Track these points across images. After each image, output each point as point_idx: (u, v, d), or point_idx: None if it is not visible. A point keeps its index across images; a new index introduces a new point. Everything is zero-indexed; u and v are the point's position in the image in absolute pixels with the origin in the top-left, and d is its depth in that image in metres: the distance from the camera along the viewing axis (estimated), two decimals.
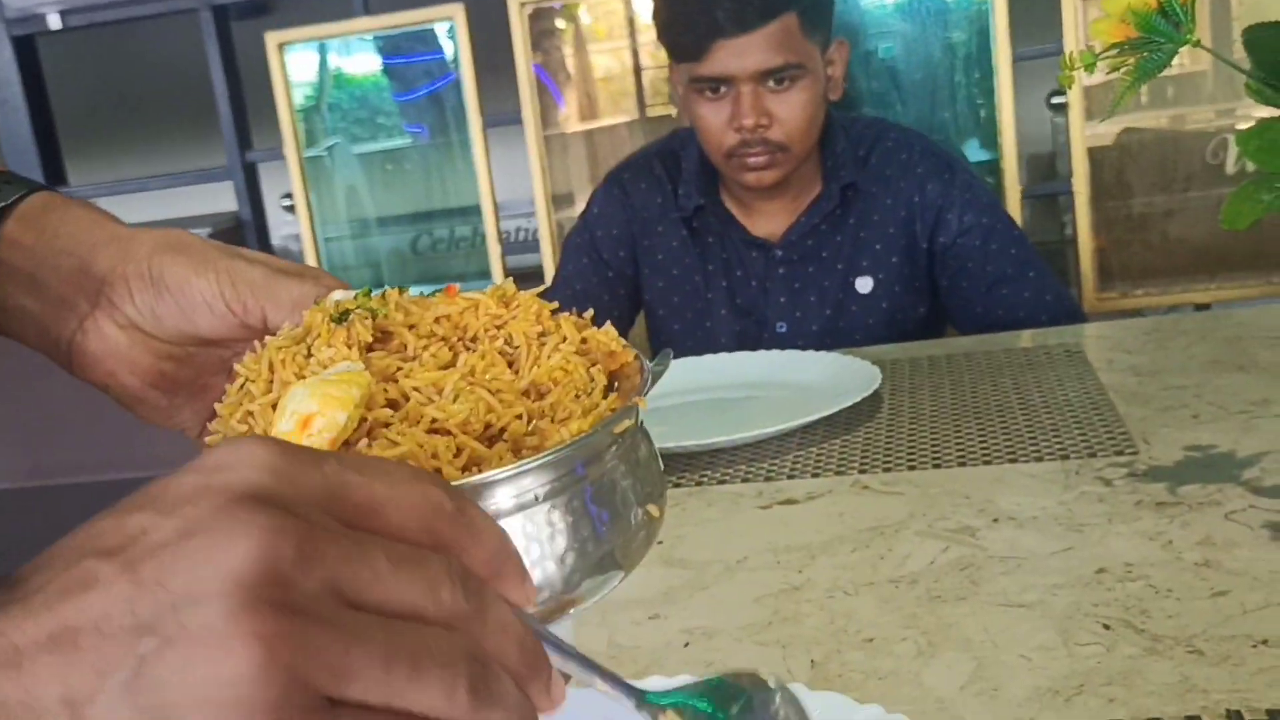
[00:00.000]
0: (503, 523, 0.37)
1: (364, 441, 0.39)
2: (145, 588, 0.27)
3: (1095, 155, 2.27)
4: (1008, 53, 2.11)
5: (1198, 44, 0.75)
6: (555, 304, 0.49)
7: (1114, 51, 0.78)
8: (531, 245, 2.50)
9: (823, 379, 1.14)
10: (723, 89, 1.38)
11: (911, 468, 0.91)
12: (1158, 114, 3.57)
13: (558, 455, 0.39)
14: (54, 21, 2.37)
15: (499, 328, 0.45)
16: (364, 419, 0.39)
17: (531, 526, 0.39)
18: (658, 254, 1.54)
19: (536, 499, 0.39)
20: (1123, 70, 0.79)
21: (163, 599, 0.26)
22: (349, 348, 0.42)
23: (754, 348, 1.36)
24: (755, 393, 1.17)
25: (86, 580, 0.27)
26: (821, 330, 1.48)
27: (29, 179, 0.61)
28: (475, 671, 0.29)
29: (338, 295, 0.47)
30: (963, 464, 0.91)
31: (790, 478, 0.93)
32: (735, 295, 1.51)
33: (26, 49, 2.42)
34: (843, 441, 1.00)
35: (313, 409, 0.38)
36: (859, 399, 1.04)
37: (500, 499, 0.39)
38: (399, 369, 0.42)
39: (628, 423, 0.43)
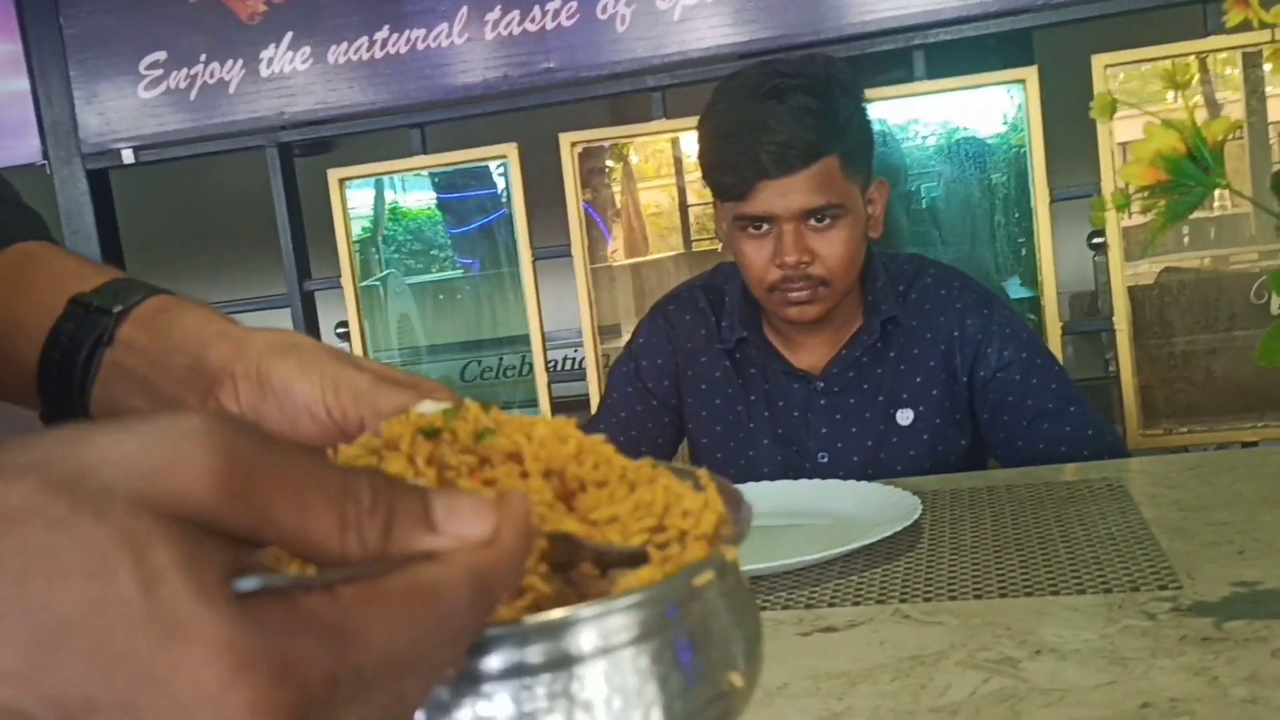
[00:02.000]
0: (584, 668, 0.35)
1: None
2: None
3: (1136, 294, 2.29)
4: (1045, 193, 2.16)
5: (1227, 187, 0.77)
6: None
7: (1145, 194, 0.81)
8: (577, 374, 2.54)
9: (864, 508, 1.15)
10: (766, 226, 1.42)
11: (952, 598, 0.92)
12: (1200, 254, 3.60)
13: (649, 593, 0.36)
14: (128, 156, 2.49)
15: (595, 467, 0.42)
16: None
17: (617, 674, 0.36)
18: (701, 384, 1.57)
19: (638, 637, 0.36)
20: (1154, 212, 0.81)
21: None
22: (427, 465, 0.39)
23: (796, 477, 1.37)
24: (796, 520, 1.18)
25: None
26: (863, 461, 1.49)
27: (147, 283, 0.64)
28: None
29: (425, 408, 0.44)
30: (1004, 595, 0.91)
31: (831, 605, 0.93)
32: (777, 425, 1.53)
33: (100, 182, 2.54)
34: (883, 571, 1.00)
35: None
36: (900, 529, 1.04)
37: (584, 640, 0.35)
38: None
39: (725, 564, 0.40)
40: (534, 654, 0.35)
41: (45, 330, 0.63)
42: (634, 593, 0.36)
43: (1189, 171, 0.78)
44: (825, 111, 1.38)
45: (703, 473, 0.46)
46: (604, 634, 0.35)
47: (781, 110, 1.36)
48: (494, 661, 0.35)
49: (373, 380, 0.50)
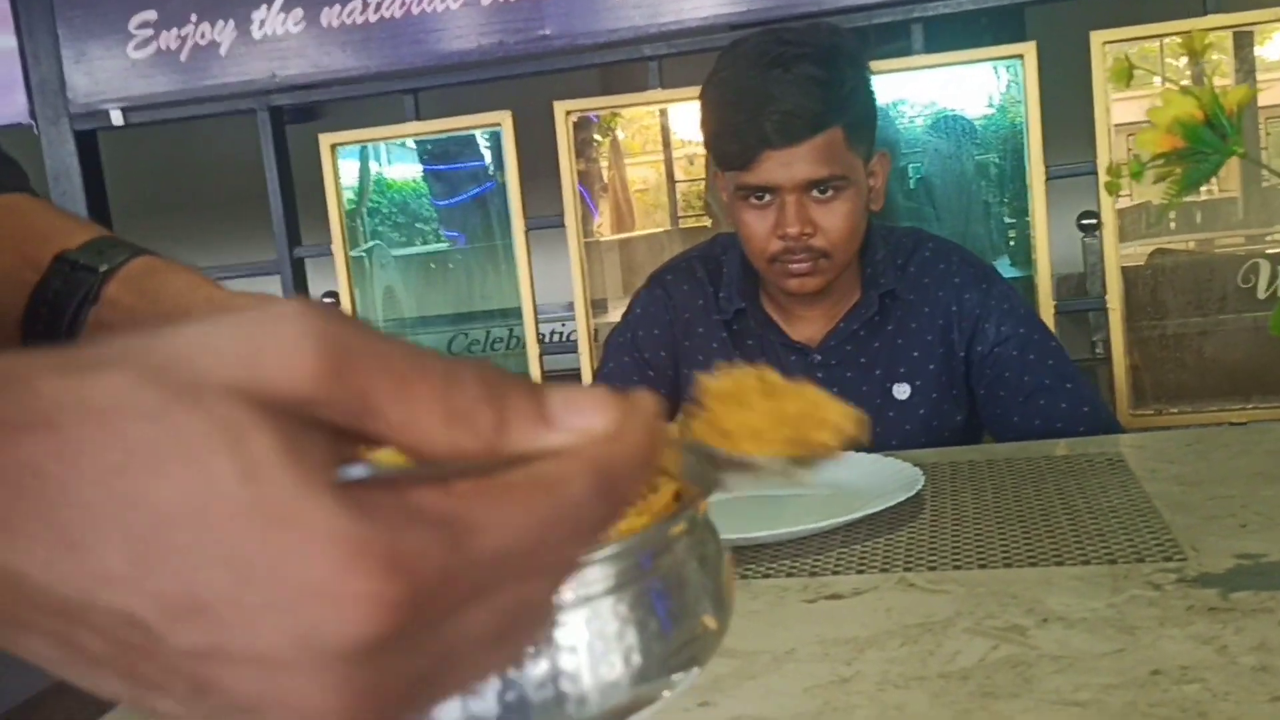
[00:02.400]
0: (566, 615, 0.36)
1: None
2: (205, 703, 0.24)
3: (1128, 275, 2.30)
4: (1041, 171, 2.15)
5: (1244, 155, 0.77)
6: None
7: (1160, 161, 0.80)
8: (567, 347, 2.53)
9: (865, 479, 1.14)
10: (768, 197, 1.41)
11: (957, 567, 0.91)
12: (1187, 238, 3.62)
13: (625, 545, 0.38)
14: (116, 117, 2.46)
15: None
16: None
17: (597, 620, 0.38)
18: (698, 355, 1.56)
19: (601, 592, 0.38)
20: (1169, 180, 0.81)
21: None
22: None
23: None
24: (796, 490, 1.18)
25: (141, 636, 0.23)
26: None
27: (132, 243, 0.63)
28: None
29: None
30: (1008, 565, 0.91)
31: (835, 573, 0.93)
32: None
33: (88, 143, 2.51)
34: (886, 540, 1.00)
35: None
36: (903, 499, 1.04)
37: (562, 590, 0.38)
38: None
39: (696, 516, 0.42)
40: None
41: (30, 285, 0.62)
42: (609, 545, 0.37)
43: (1206, 139, 0.77)
44: (831, 81, 1.36)
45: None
46: (583, 584, 0.37)
47: (787, 79, 1.35)
48: None
49: None
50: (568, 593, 0.36)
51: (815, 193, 1.40)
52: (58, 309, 0.59)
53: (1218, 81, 4.19)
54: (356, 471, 0.24)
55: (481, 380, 0.26)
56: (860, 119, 1.41)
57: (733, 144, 1.40)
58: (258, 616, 0.23)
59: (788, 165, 1.37)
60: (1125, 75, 0.81)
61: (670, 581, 0.40)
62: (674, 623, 0.40)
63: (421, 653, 0.25)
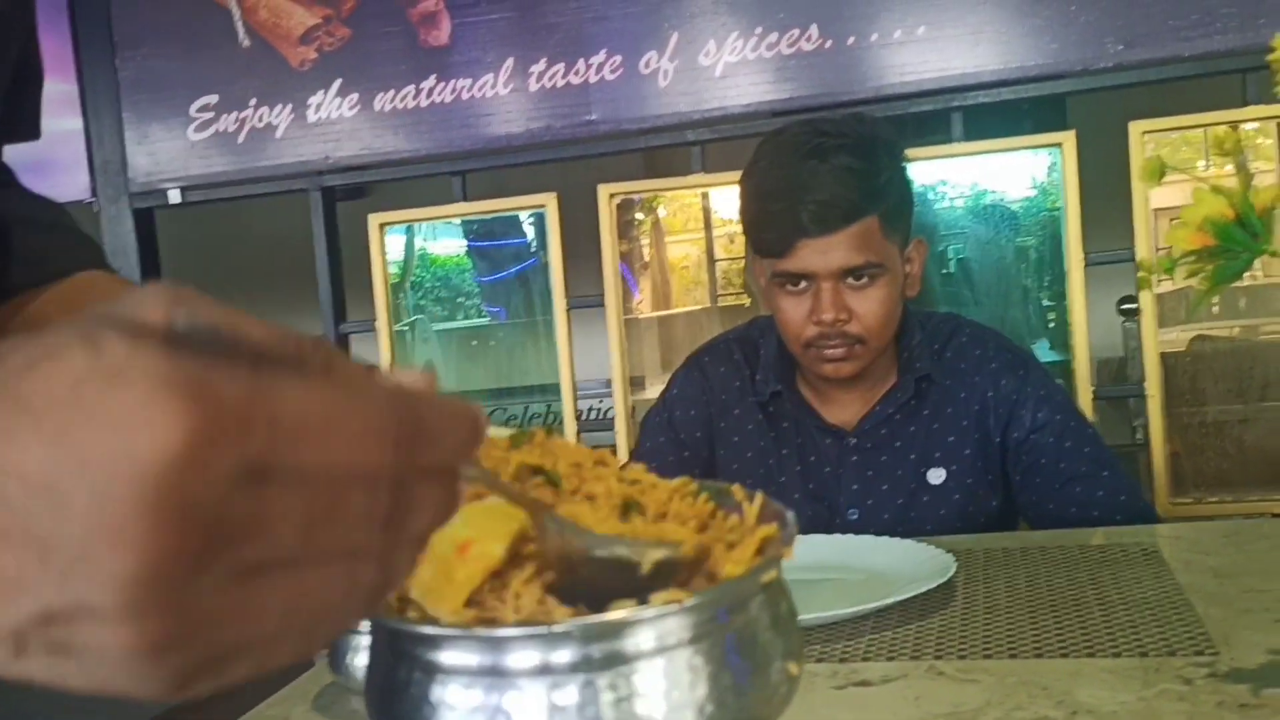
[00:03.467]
0: (644, 663, 0.38)
1: (515, 572, 0.40)
2: (50, 564, 0.27)
3: (1167, 361, 2.29)
4: (1080, 257, 2.17)
5: (1275, 254, 0.78)
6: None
7: (1191, 258, 0.82)
8: (604, 424, 2.55)
9: (897, 564, 1.15)
10: (804, 284, 1.43)
11: (987, 656, 0.92)
12: (1230, 324, 3.60)
13: (704, 599, 0.39)
14: (174, 196, 2.54)
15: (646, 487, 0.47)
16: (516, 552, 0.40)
17: (673, 669, 0.39)
18: (734, 436, 1.58)
19: (692, 638, 0.39)
20: (1200, 277, 0.83)
21: (69, 579, 0.27)
22: (516, 479, 0.43)
23: (826, 533, 1.37)
24: (829, 575, 1.19)
25: (4, 507, 0.27)
26: (893, 519, 1.50)
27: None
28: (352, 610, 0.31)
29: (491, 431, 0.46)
30: (1039, 655, 0.91)
31: (865, 660, 0.94)
32: (809, 480, 1.54)
33: (146, 221, 2.59)
34: (918, 627, 1.00)
35: (469, 535, 0.39)
36: (934, 586, 1.05)
37: (643, 639, 0.39)
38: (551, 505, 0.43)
39: (773, 573, 0.44)
40: (597, 650, 0.38)
41: None
42: (691, 598, 0.39)
43: (1237, 237, 0.79)
44: (867, 171, 1.39)
45: (737, 489, 0.50)
46: (660, 634, 0.39)
47: (823, 169, 1.38)
48: (563, 655, 0.38)
49: None
50: (649, 639, 0.38)
51: (851, 280, 1.42)
52: None
53: (1260, 166, 4.19)
54: (181, 318, 0.29)
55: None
56: (896, 207, 1.44)
57: (770, 232, 1.43)
58: (88, 450, 0.27)
59: (823, 253, 1.39)
60: (1157, 174, 0.83)
61: (745, 637, 0.42)
62: (747, 677, 0.41)
63: (231, 500, 0.28)
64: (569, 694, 0.38)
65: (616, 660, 0.38)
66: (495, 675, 0.38)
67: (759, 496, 0.48)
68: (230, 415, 0.28)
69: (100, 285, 0.76)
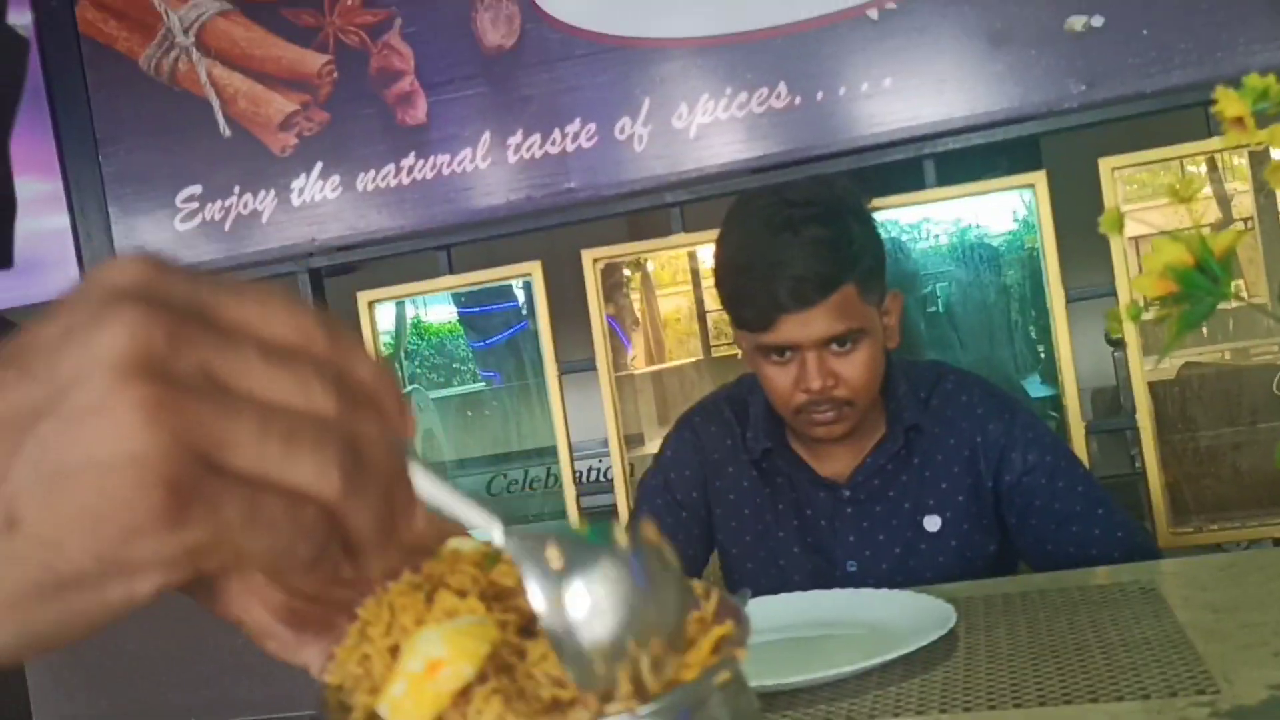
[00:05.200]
0: None
1: (478, 687, 0.40)
2: (37, 380, 0.31)
3: (1158, 390, 2.30)
4: (1061, 294, 2.19)
5: (1235, 298, 0.80)
6: None
7: (1157, 304, 0.84)
8: (604, 485, 2.56)
9: (898, 617, 1.15)
10: (788, 353, 1.44)
11: (992, 707, 0.92)
12: (1220, 348, 3.62)
13: (662, 704, 0.40)
14: None
15: None
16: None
17: None
18: (729, 494, 1.59)
19: None
20: (1169, 321, 0.84)
21: (52, 386, 0.31)
22: (480, 601, 0.43)
23: (826, 586, 1.38)
24: (830, 631, 1.19)
25: None
26: (892, 568, 1.50)
27: None
28: (347, 458, 0.33)
29: (455, 543, 0.46)
30: (1043, 703, 0.91)
31: (871, 716, 0.94)
32: (806, 534, 1.54)
33: None
34: (921, 680, 1.01)
35: (442, 655, 0.39)
36: (935, 638, 1.05)
37: None
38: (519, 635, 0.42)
39: (727, 673, 0.44)
40: None
41: None
42: (656, 699, 0.40)
43: (1198, 283, 0.81)
44: (839, 241, 1.40)
45: (699, 584, 0.50)
46: None
47: (796, 244, 1.38)
48: None
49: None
50: None
51: (834, 346, 1.43)
52: None
53: (1238, 187, 4.23)
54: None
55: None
56: (870, 271, 1.45)
57: (748, 309, 1.43)
58: (60, 311, 0.32)
59: (805, 325, 1.40)
60: (1116, 225, 0.85)
61: None
62: None
63: (186, 319, 0.32)
64: None
65: None
66: None
67: (714, 593, 0.48)
68: (183, 269, 0.33)
69: None
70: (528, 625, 0.43)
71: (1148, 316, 0.86)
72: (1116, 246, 2.11)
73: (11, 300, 2.09)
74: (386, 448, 0.35)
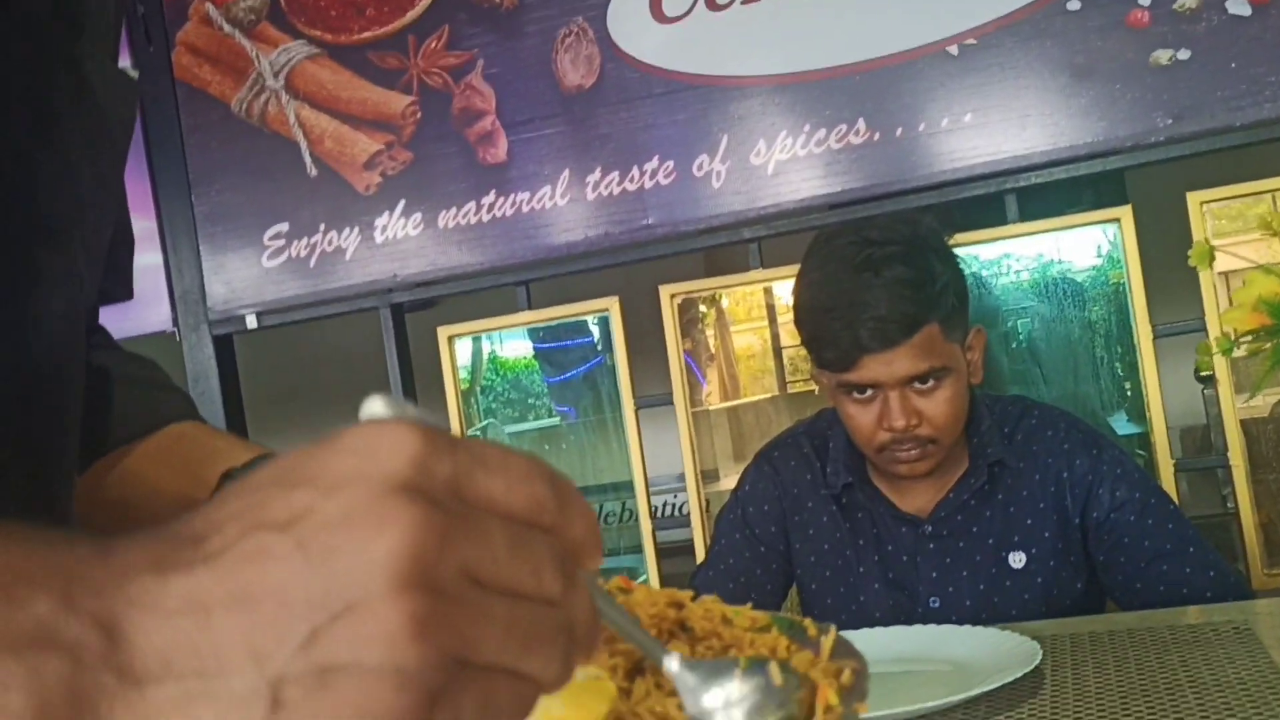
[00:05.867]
0: None
1: None
2: (315, 566, 0.32)
3: (1250, 428, 2.24)
4: (1148, 330, 2.15)
5: None
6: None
7: (1249, 338, 0.82)
8: (680, 520, 2.55)
9: (980, 654, 1.14)
10: (870, 391, 1.43)
11: None
12: None
13: None
14: (251, 321, 2.63)
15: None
16: None
17: None
18: (808, 529, 1.58)
19: None
20: (1260, 355, 0.83)
21: (331, 578, 0.32)
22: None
23: (907, 622, 1.36)
24: (912, 667, 1.17)
25: (263, 552, 0.32)
26: (975, 605, 1.48)
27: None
28: (565, 644, 0.35)
29: None
30: None
31: None
32: (887, 570, 1.53)
33: (225, 346, 2.68)
34: (1005, 718, 0.99)
35: (564, 715, 0.41)
36: (1020, 674, 1.03)
37: None
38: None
39: None
40: None
41: (199, 503, 0.69)
42: None
43: None
44: (921, 281, 1.39)
45: (809, 623, 0.51)
46: None
47: (878, 284, 1.38)
48: None
49: None
50: None
51: (917, 384, 1.42)
52: None
53: None
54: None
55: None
56: (953, 309, 1.43)
57: (830, 350, 1.43)
58: (331, 475, 0.34)
59: (888, 364, 1.40)
60: (1207, 258, 0.84)
61: None
62: None
63: (450, 503, 0.34)
64: None
65: None
66: None
67: (832, 631, 0.49)
68: (443, 438, 0.35)
69: (190, 437, 0.80)
70: (634, 667, 0.44)
71: (1239, 353, 0.85)
72: (1206, 280, 2.06)
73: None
74: (588, 615, 0.38)
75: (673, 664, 0.41)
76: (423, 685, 0.32)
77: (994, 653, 1.13)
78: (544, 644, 0.35)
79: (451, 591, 0.33)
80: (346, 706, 0.32)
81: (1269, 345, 0.79)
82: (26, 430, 0.56)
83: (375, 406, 0.36)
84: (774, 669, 0.42)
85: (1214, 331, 1.98)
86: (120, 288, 0.80)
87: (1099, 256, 2.81)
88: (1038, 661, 1.07)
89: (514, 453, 0.37)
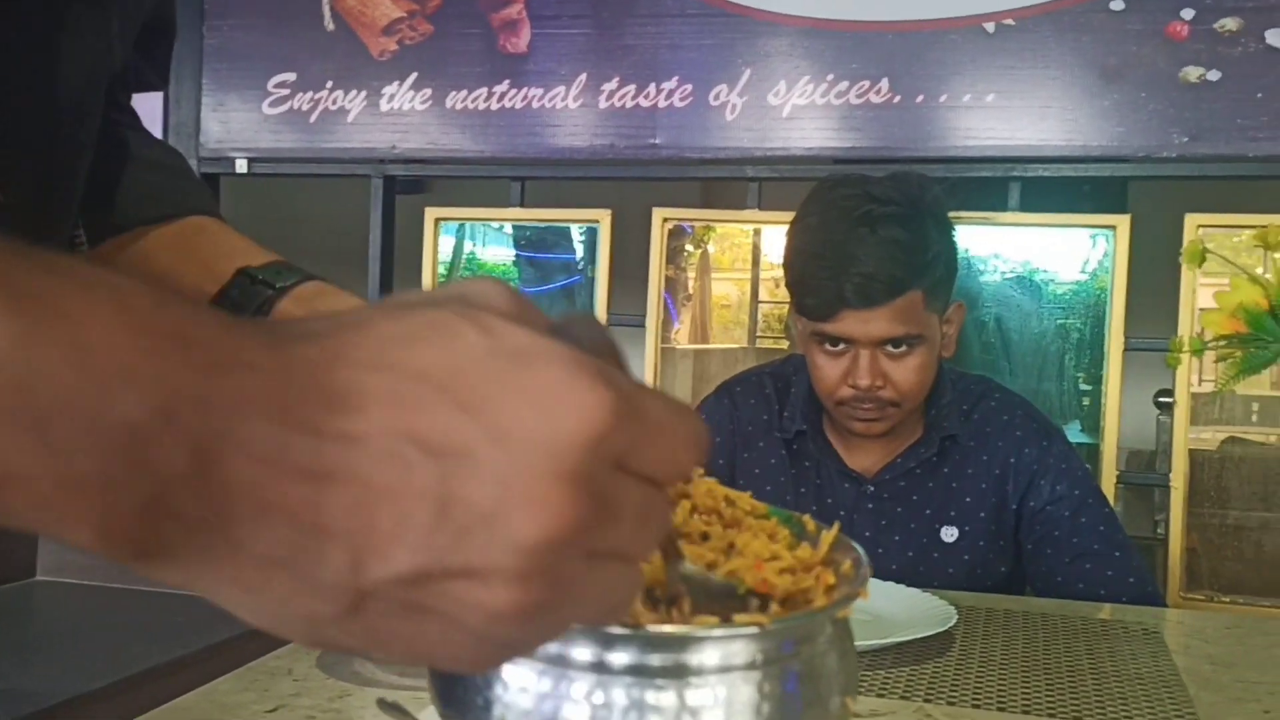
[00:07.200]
0: (703, 678, 0.40)
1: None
2: (449, 515, 0.30)
3: (1196, 458, 2.27)
4: (1120, 340, 2.17)
5: None
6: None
7: (1222, 343, 0.84)
8: None
9: (898, 609, 1.16)
10: (843, 345, 1.44)
11: (975, 706, 0.93)
12: (1267, 431, 3.57)
13: (773, 628, 0.41)
14: (241, 166, 2.60)
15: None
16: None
17: (737, 688, 0.40)
18: (755, 468, 1.59)
19: (754, 663, 0.41)
20: (1229, 362, 0.84)
21: (460, 535, 0.30)
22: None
23: None
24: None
25: (404, 468, 0.29)
26: (900, 570, 1.50)
27: (304, 270, 0.70)
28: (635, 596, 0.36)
29: None
30: (1026, 713, 0.92)
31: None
32: (823, 521, 1.54)
33: (211, 186, 2.65)
34: (911, 670, 1.02)
35: None
36: (932, 633, 1.06)
37: (707, 656, 0.40)
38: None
39: (848, 610, 0.45)
40: (657, 659, 0.40)
41: (210, 295, 0.70)
42: (758, 624, 0.41)
43: (1268, 327, 0.80)
44: (914, 245, 1.39)
45: (808, 520, 0.52)
46: (726, 654, 0.40)
47: (871, 240, 1.38)
48: (621, 658, 0.40)
49: None
50: (714, 658, 0.40)
51: (889, 347, 1.42)
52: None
53: None
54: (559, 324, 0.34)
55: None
56: (940, 281, 1.44)
57: (812, 297, 1.43)
58: (508, 420, 0.30)
59: (865, 323, 1.40)
60: (1198, 257, 0.85)
61: (808, 668, 0.43)
62: (806, 706, 0.43)
63: (607, 483, 0.31)
64: (618, 696, 0.39)
65: (677, 672, 0.40)
66: (559, 665, 0.40)
67: (835, 528, 0.50)
68: (626, 406, 0.31)
69: (210, 231, 0.80)
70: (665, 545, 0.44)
71: (1210, 355, 0.86)
72: (1185, 300, 2.08)
73: None
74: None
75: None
76: (502, 657, 0.33)
77: (910, 609, 1.15)
78: (625, 603, 0.35)
79: (566, 579, 0.31)
80: (423, 646, 0.32)
81: (1239, 353, 0.80)
82: (45, 160, 0.56)
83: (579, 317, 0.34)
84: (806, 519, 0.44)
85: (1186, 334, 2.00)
86: (155, 76, 0.80)
87: (1084, 271, 2.82)
88: (951, 624, 1.09)
89: (682, 417, 0.34)
